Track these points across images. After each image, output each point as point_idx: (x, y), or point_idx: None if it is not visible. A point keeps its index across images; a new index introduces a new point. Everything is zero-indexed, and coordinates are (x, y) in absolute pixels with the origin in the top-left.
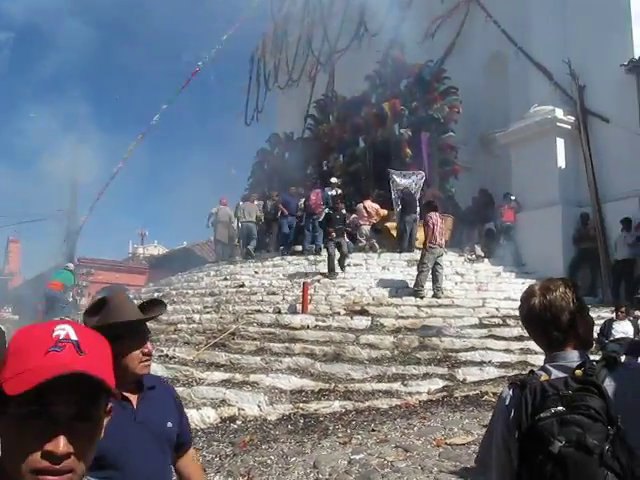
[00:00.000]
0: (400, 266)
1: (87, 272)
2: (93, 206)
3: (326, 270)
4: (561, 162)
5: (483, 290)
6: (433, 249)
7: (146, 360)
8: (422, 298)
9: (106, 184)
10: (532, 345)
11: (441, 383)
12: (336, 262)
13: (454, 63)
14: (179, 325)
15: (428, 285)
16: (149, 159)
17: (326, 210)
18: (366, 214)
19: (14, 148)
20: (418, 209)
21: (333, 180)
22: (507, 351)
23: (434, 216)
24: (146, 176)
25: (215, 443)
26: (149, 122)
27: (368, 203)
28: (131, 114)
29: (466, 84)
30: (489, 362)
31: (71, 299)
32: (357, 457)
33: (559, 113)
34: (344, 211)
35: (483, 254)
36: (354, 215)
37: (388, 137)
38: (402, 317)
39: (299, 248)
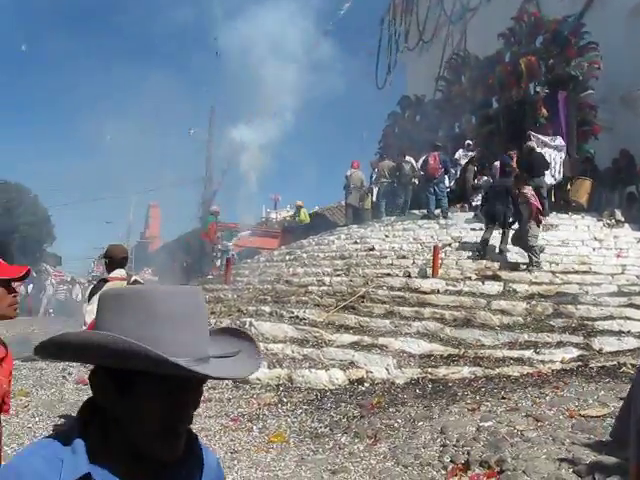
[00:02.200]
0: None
1: (221, 236)
2: (226, 171)
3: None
4: None
5: (623, 257)
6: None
7: None
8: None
9: (237, 150)
10: None
11: (576, 352)
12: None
13: (594, 17)
14: (310, 287)
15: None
16: (280, 124)
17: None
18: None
19: (152, 117)
20: (556, 175)
21: (467, 142)
22: None
23: (530, 190)
24: (278, 141)
25: (343, 404)
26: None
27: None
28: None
29: (607, 39)
30: (628, 332)
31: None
32: (486, 424)
33: None
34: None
35: (623, 219)
36: (484, 177)
37: (523, 97)
38: (536, 283)
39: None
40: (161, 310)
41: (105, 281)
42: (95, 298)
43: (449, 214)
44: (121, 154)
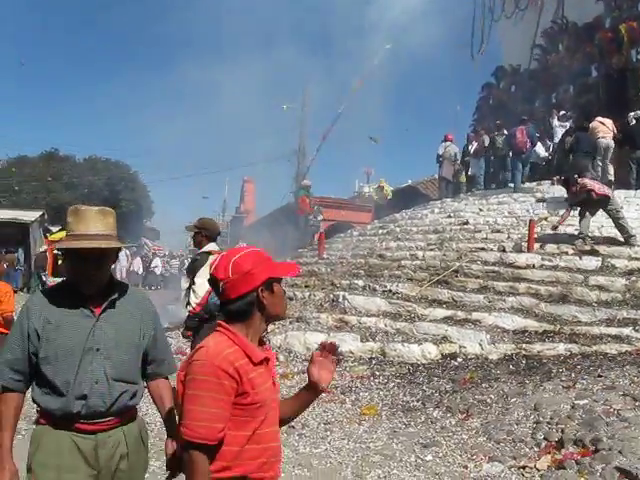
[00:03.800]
0: (635, 204)
1: (316, 210)
2: (320, 147)
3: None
4: None
5: None
6: None
7: None
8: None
9: (331, 124)
10: None
11: None
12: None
13: None
14: (402, 262)
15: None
16: (372, 99)
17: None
18: (604, 126)
19: (247, 93)
20: None
21: (563, 113)
22: None
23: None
24: (369, 116)
25: (435, 378)
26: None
27: (600, 118)
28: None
29: None
30: None
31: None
32: (581, 402)
33: None
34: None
35: None
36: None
37: (624, 64)
38: (636, 258)
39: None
40: None
41: (208, 254)
42: (202, 271)
43: (546, 187)
44: (217, 131)
